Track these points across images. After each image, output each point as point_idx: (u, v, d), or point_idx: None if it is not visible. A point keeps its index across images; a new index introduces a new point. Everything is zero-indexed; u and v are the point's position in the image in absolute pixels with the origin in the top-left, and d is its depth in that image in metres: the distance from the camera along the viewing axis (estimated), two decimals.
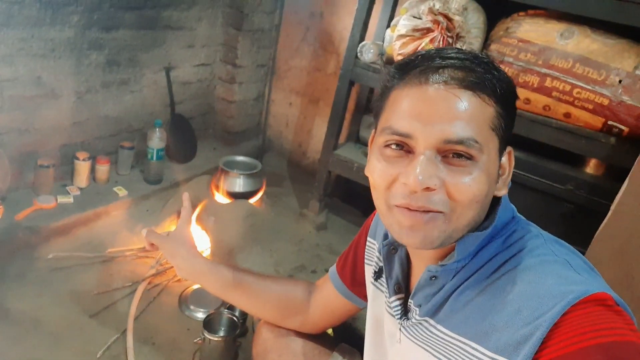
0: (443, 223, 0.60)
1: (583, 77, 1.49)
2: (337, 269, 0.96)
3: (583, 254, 1.33)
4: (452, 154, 0.59)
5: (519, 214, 0.70)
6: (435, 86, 0.59)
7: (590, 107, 1.49)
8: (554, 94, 1.54)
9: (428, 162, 0.58)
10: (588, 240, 1.33)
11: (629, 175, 1.27)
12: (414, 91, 0.61)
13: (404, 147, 0.61)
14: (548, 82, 1.54)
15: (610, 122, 1.48)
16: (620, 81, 1.44)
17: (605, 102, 1.47)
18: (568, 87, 1.51)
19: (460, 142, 0.58)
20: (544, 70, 1.54)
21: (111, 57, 1.98)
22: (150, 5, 2.04)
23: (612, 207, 1.29)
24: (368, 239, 0.89)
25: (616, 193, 1.30)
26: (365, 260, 0.89)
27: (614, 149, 1.49)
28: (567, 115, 1.55)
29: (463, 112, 0.58)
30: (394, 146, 0.62)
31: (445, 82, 0.59)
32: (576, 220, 1.63)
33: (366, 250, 0.89)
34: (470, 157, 0.59)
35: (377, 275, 0.83)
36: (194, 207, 1.96)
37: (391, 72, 0.66)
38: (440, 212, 0.59)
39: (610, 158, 1.53)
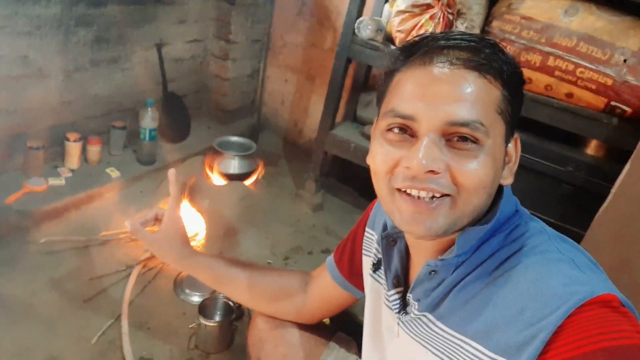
0: (449, 208, 0.58)
1: (587, 56, 1.45)
2: (335, 259, 0.94)
3: (582, 237, 1.32)
4: (457, 137, 0.57)
5: (522, 207, 0.68)
6: (440, 66, 0.58)
7: (593, 87, 1.46)
8: (557, 73, 1.50)
9: (432, 145, 0.56)
10: (587, 223, 1.32)
11: (631, 158, 1.25)
12: (417, 72, 0.59)
13: (407, 131, 0.59)
14: (551, 61, 1.50)
15: (613, 103, 1.45)
16: (625, 61, 1.40)
17: (609, 82, 1.43)
18: (571, 67, 1.47)
19: (465, 124, 0.56)
20: (546, 48, 1.50)
21: (100, 34, 1.91)
22: None
23: (613, 190, 1.27)
24: (367, 229, 0.87)
25: (617, 175, 1.28)
26: (364, 251, 0.87)
27: (616, 130, 1.47)
28: (569, 95, 1.51)
29: (468, 93, 0.56)
30: (396, 130, 0.60)
31: (450, 62, 0.57)
32: (575, 202, 1.61)
33: (364, 241, 0.87)
34: (475, 141, 0.57)
35: (376, 267, 0.81)
36: (184, 188, 1.92)
37: (395, 55, 0.63)
38: (447, 194, 0.57)
39: (611, 139, 1.50)
